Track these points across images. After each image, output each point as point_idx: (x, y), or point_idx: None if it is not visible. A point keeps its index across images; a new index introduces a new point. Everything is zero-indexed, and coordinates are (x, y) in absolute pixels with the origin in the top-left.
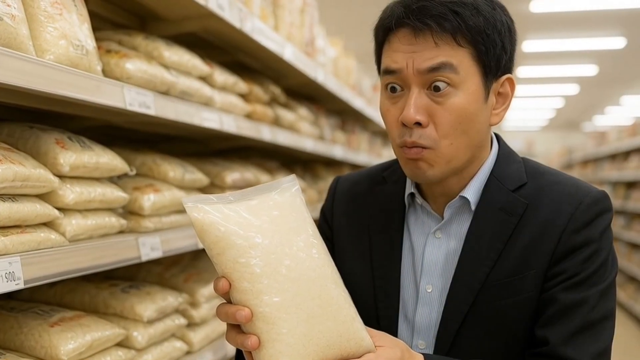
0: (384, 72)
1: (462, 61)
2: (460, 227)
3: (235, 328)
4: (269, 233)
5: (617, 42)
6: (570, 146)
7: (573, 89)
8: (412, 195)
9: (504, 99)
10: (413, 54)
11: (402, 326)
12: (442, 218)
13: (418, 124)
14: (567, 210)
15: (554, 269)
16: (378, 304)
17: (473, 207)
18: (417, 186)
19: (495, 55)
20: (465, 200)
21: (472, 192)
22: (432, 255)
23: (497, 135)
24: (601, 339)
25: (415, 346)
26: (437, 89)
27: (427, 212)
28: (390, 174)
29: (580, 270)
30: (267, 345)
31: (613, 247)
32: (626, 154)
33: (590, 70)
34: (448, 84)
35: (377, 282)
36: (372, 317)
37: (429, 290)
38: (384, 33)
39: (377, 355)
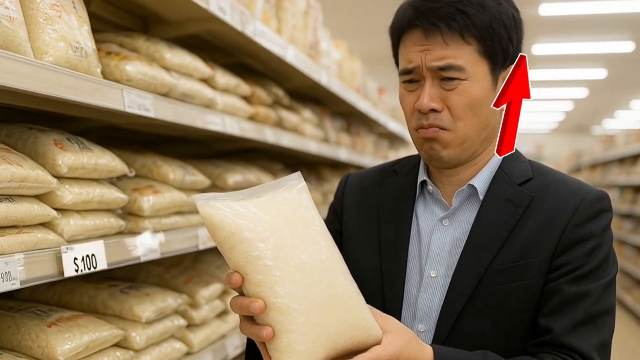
0: (402, 72)
1: (469, 58)
2: (467, 216)
3: (249, 320)
4: (279, 227)
5: (626, 46)
6: (578, 150)
7: (582, 93)
8: (423, 183)
9: None
10: (425, 51)
11: (404, 310)
12: (451, 206)
13: (433, 110)
14: (572, 205)
15: (558, 259)
16: (385, 288)
17: (481, 197)
18: (429, 176)
19: (502, 47)
20: (474, 189)
21: (480, 181)
22: (438, 242)
23: None
24: (603, 332)
25: (416, 330)
26: (447, 81)
27: (436, 200)
28: (401, 167)
29: (584, 262)
30: (282, 335)
31: (613, 246)
32: (634, 158)
33: (599, 73)
34: (457, 78)
35: (384, 266)
36: (378, 301)
37: (433, 276)
38: (397, 34)
39: (384, 347)
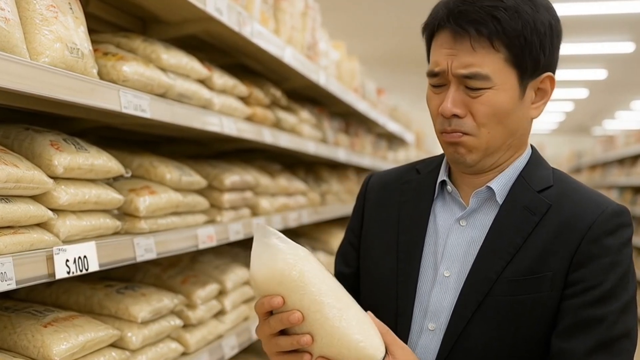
0: (428, 74)
1: (496, 66)
2: (485, 218)
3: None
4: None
5: (626, 47)
6: (579, 150)
7: (583, 93)
8: (442, 183)
9: (543, 94)
10: (452, 56)
11: (415, 308)
12: (468, 207)
13: (456, 115)
14: (589, 217)
15: (573, 275)
16: (398, 287)
17: (499, 200)
18: (449, 176)
19: (532, 56)
20: (492, 191)
21: (498, 184)
22: (454, 242)
23: (532, 146)
24: (620, 357)
25: (426, 328)
26: (472, 89)
27: (455, 200)
28: (424, 166)
29: (599, 281)
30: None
31: (632, 264)
32: (634, 159)
33: (599, 74)
34: (482, 87)
35: (400, 265)
36: (391, 298)
37: (447, 275)
38: (429, 34)
39: None
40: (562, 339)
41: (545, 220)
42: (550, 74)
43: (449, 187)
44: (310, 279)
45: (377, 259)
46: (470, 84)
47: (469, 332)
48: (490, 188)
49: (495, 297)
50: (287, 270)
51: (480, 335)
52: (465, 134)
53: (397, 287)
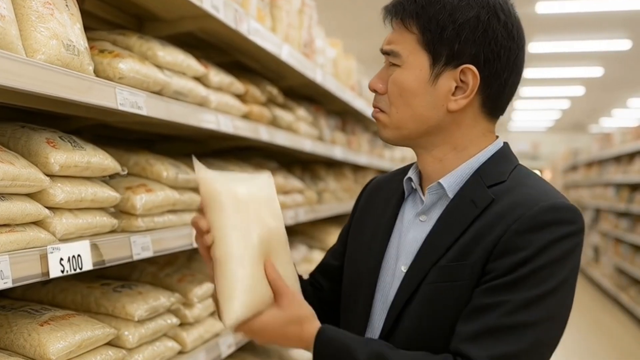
0: None
1: (408, 45)
2: (439, 213)
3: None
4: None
5: (622, 44)
6: (575, 148)
7: (579, 91)
8: (410, 180)
9: (465, 88)
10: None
11: (377, 302)
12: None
13: (377, 91)
14: (519, 211)
15: (490, 265)
16: (362, 281)
17: (450, 195)
18: (420, 174)
19: (446, 43)
20: (442, 187)
21: (448, 180)
22: (412, 237)
23: (505, 143)
24: (511, 343)
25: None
26: (391, 65)
27: (419, 196)
28: (410, 167)
29: (506, 272)
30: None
31: (568, 264)
32: (631, 156)
33: (596, 72)
34: (395, 64)
35: (368, 260)
36: (358, 293)
37: (404, 270)
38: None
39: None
40: (459, 322)
41: (485, 213)
42: (471, 66)
43: (414, 184)
44: (226, 211)
45: (352, 257)
46: (390, 60)
47: (404, 320)
48: (440, 184)
49: (425, 285)
50: (214, 194)
51: (412, 324)
52: (381, 110)
53: (362, 283)
